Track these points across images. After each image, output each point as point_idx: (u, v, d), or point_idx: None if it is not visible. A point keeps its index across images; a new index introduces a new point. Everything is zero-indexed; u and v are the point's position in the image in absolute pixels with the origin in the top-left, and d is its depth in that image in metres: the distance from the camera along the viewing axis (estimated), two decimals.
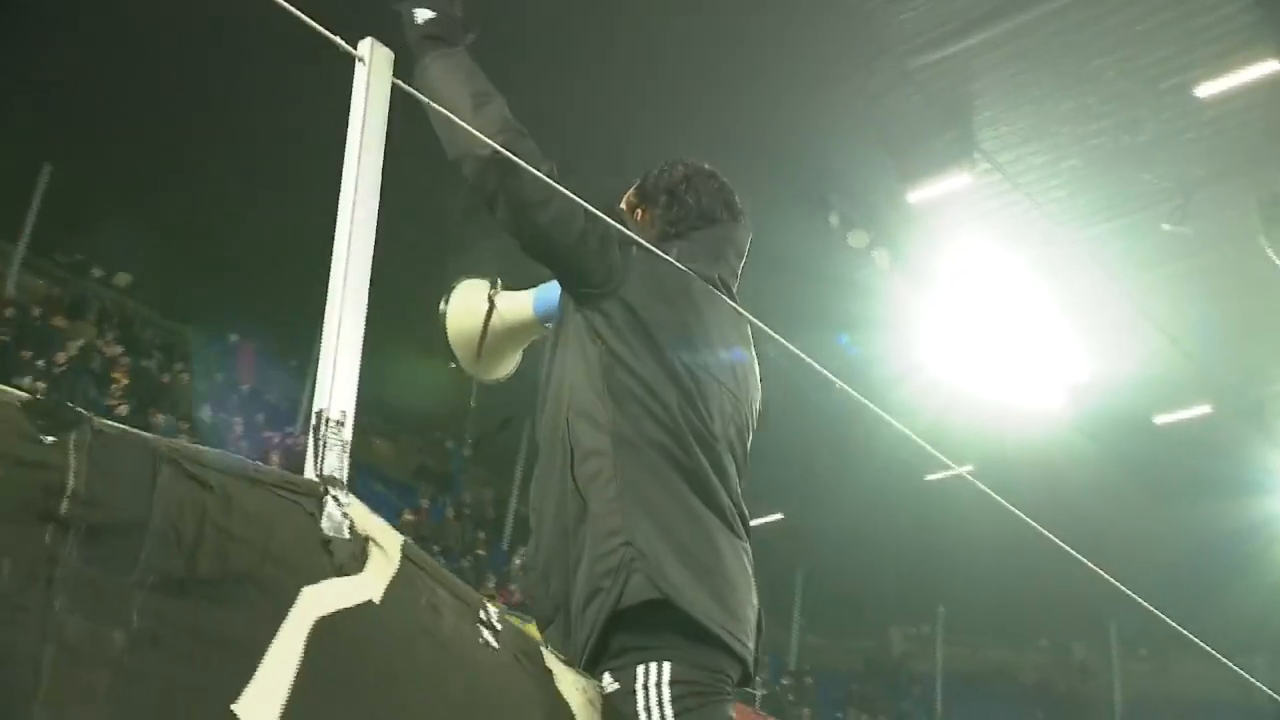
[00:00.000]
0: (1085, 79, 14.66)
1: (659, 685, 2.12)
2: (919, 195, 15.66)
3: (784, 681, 25.07)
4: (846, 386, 3.61)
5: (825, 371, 3.19)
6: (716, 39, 14.40)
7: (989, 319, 17.23)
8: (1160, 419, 19.33)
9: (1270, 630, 20.19)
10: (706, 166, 2.83)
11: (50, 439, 1.50)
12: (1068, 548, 4.27)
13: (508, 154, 2.25)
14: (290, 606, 1.71)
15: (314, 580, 1.75)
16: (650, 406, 2.33)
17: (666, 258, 2.45)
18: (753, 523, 2.43)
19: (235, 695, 1.61)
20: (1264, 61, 13.97)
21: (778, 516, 20.57)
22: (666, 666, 2.13)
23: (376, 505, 1.92)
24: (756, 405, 2.60)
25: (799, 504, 21.58)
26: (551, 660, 2.13)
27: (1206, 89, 14.26)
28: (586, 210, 2.33)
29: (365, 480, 18.48)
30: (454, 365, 2.94)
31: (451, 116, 2.27)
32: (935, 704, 28.03)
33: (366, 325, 1.94)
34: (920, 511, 21.11)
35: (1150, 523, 19.40)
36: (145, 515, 1.58)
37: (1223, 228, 15.28)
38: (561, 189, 2.28)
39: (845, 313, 16.93)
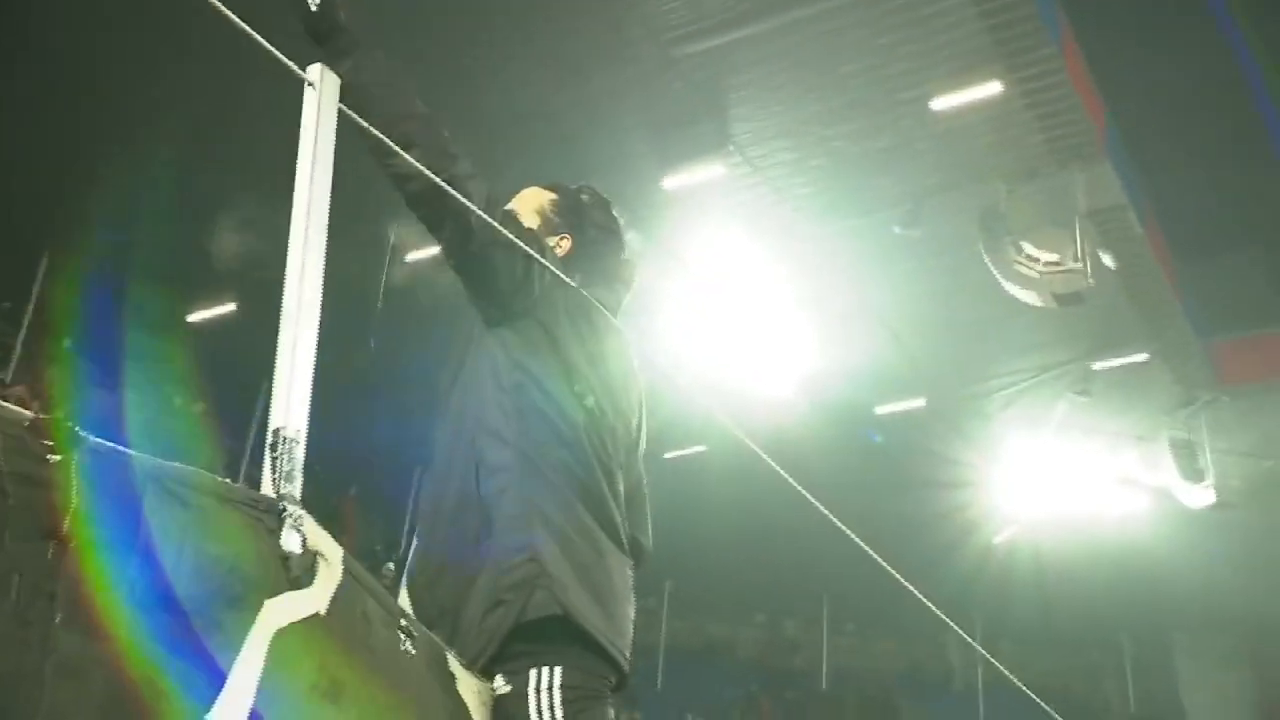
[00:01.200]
0: (833, 84, 15.44)
1: (550, 689, 2.26)
2: (674, 182, 16.13)
3: None
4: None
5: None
6: (478, 11, 14.37)
7: (731, 306, 17.94)
8: (880, 409, 20.70)
9: (961, 611, 21.87)
10: (606, 197, 2.97)
11: (55, 459, 1.51)
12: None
13: (444, 180, 2.31)
14: (254, 620, 1.75)
15: (273, 594, 1.80)
16: (558, 426, 2.45)
17: (573, 284, 2.56)
18: None
19: (207, 704, 1.66)
20: (991, 82, 15.12)
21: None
22: (558, 671, 2.27)
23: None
24: (642, 429, 2.75)
25: None
26: (454, 665, 2.24)
27: (940, 103, 15.30)
28: (514, 239, 2.43)
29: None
30: None
31: (390, 144, 2.29)
32: (658, 676, 28.96)
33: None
34: (655, 490, 21.74)
35: (867, 507, 20.59)
36: (134, 534, 1.61)
37: (948, 234, 16.44)
38: (494, 222, 2.37)
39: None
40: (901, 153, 15.93)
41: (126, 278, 18.11)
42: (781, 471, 4.22)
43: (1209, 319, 19.86)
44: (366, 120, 2.28)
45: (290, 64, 2.01)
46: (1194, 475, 20.08)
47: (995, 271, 15.95)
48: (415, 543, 2.56)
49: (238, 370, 20.68)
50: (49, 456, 1.51)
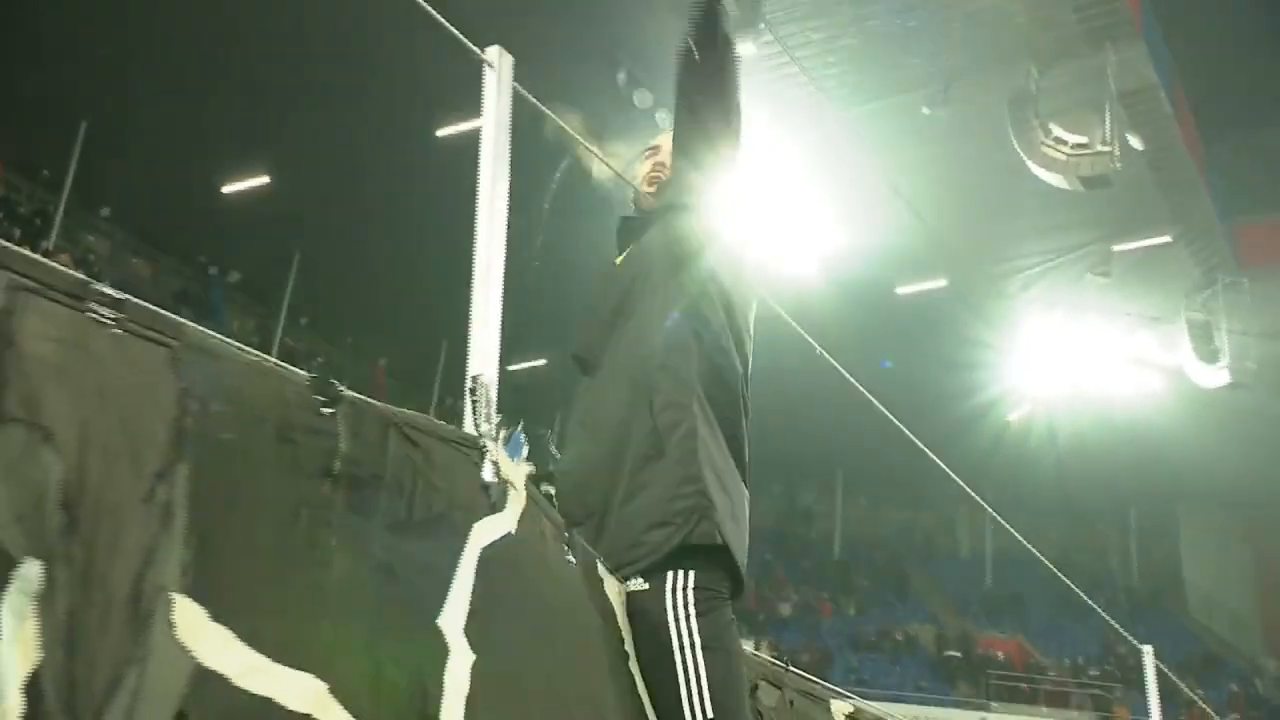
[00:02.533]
0: None
1: (685, 589, 2.60)
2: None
3: None
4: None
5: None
6: None
7: (756, 184, 18.01)
8: (902, 289, 20.97)
9: (974, 485, 22.31)
10: None
11: (328, 411, 1.83)
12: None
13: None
14: (466, 539, 2.09)
15: (479, 518, 2.14)
16: (725, 375, 2.76)
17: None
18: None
19: (437, 612, 2.00)
20: None
21: (541, 362, 21.02)
22: (692, 575, 2.62)
23: None
24: None
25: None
26: (601, 570, 2.58)
27: None
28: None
29: None
30: None
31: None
32: None
33: None
34: None
35: (886, 383, 20.87)
36: (382, 470, 1.93)
37: (976, 115, 16.48)
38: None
39: None
40: (933, 32, 15.86)
41: (163, 148, 18.30)
42: (814, 342, 4.43)
43: (1232, 201, 19.97)
44: (730, 79, 2.84)
45: (471, 46, 2.25)
46: (1209, 356, 20.40)
47: (1022, 153, 16.01)
48: (572, 445, 2.86)
49: (271, 241, 21.12)
50: (323, 409, 1.83)
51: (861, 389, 4.97)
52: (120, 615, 1.53)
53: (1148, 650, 5.87)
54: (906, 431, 5.41)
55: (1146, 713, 6.10)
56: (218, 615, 1.63)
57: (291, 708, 1.70)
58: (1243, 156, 20.66)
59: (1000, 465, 24.40)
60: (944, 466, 5.82)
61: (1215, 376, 20.48)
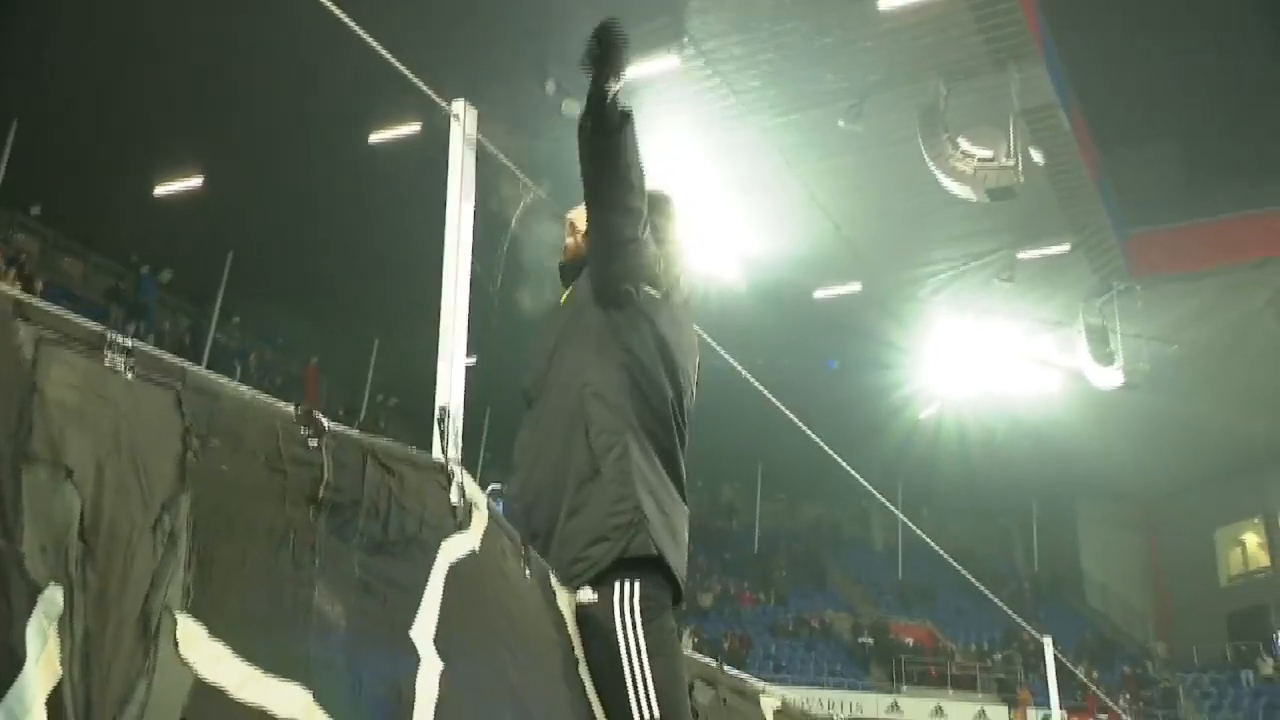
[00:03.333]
0: None
1: (632, 597, 2.80)
2: (631, 72, 16.30)
3: None
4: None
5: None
6: None
7: (681, 194, 18.25)
8: (819, 293, 21.47)
9: (887, 480, 22.92)
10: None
11: (314, 443, 2.00)
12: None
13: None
14: (435, 557, 2.27)
15: (447, 536, 2.32)
16: (654, 402, 2.95)
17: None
18: None
19: (409, 624, 2.17)
20: None
21: (471, 360, 21.07)
22: (638, 584, 2.82)
23: None
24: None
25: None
26: (554, 582, 2.77)
27: (887, 2, 15.60)
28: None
29: (54, 299, 17.51)
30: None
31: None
32: None
33: None
34: None
35: (804, 383, 21.37)
36: (360, 496, 2.10)
37: (888, 129, 16.94)
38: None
39: (553, 180, 17.59)
40: (848, 49, 16.28)
41: (95, 148, 18.05)
42: (727, 355, 4.62)
43: (1126, 214, 20.82)
44: (617, 159, 2.94)
45: (436, 98, 2.42)
46: (1105, 359, 21.22)
47: (932, 166, 16.48)
48: (517, 472, 3.04)
49: (203, 240, 20.87)
50: (310, 441, 2.00)
51: (773, 399, 5.13)
52: (130, 635, 1.68)
53: (1047, 640, 6.22)
54: (816, 438, 5.59)
55: (1047, 696, 6.52)
56: (215, 632, 1.78)
57: (281, 716, 1.86)
58: (1134, 170, 21.63)
59: (911, 461, 25.11)
60: (849, 469, 6.01)
61: (1111, 378, 21.36)
